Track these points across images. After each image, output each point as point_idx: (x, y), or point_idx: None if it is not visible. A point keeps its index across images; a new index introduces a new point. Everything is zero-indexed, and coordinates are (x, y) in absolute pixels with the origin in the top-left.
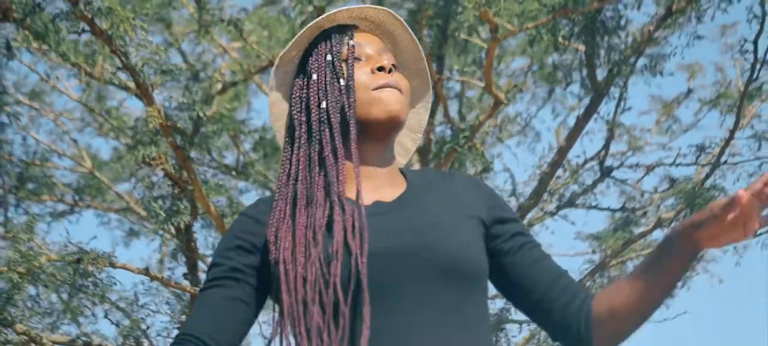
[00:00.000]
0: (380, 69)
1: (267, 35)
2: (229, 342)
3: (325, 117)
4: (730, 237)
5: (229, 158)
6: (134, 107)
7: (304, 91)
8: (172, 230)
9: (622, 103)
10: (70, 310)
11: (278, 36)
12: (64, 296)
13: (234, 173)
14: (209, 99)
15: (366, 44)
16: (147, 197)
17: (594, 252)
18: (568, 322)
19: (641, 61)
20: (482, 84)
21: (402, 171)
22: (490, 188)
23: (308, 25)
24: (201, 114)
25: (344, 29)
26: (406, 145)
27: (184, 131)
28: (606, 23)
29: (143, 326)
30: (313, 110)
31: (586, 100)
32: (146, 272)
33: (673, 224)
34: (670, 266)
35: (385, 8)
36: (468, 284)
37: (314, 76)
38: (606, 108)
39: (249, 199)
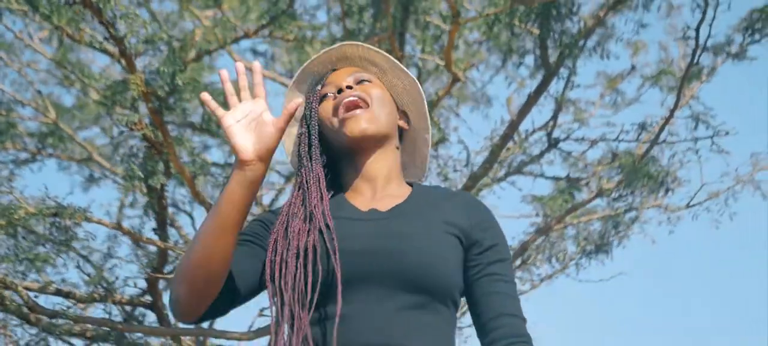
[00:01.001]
0: (339, 91)
1: (242, 6)
2: (244, 276)
3: (304, 161)
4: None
5: (195, 117)
6: (104, 63)
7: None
8: (145, 189)
9: (570, 82)
10: (44, 259)
11: (253, 7)
12: (40, 247)
13: (201, 131)
14: (185, 66)
15: (339, 75)
16: (127, 159)
17: (538, 215)
18: None
19: (591, 42)
20: (442, 63)
21: (413, 184)
22: (486, 214)
23: (291, 81)
24: (179, 82)
25: (324, 73)
26: (421, 150)
27: (161, 97)
28: (560, 9)
29: (111, 277)
30: (298, 156)
31: (538, 76)
32: (118, 226)
33: (613, 194)
34: None
35: (350, 43)
36: (430, 291)
37: (301, 130)
38: (556, 86)
39: (214, 155)
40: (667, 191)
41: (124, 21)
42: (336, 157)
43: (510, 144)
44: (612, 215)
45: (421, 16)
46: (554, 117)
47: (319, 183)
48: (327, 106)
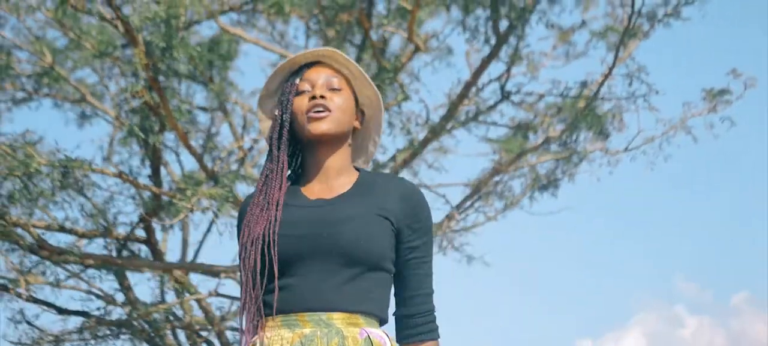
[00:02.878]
0: (313, 98)
1: None
2: None
3: (271, 143)
4: None
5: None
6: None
7: (273, 122)
8: (143, 141)
9: (518, 49)
10: (52, 201)
11: None
12: (49, 191)
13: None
14: (181, 38)
15: (315, 77)
16: (130, 121)
17: (494, 153)
18: (396, 324)
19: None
20: (405, 34)
21: (360, 171)
22: (417, 200)
23: (280, 65)
24: (176, 55)
25: (305, 67)
26: (369, 149)
27: (160, 67)
28: None
29: (110, 217)
30: (269, 139)
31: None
32: (120, 175)
33: (559, 140)
34: None
35: (331, 49)
36: (363, 263)
37: (276, 112)
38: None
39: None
40: (607, 136)
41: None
42: (301, 144)
43: (466, 99)
44: (560, 157)
45: None
46: (507, 71)
47: (282, 173)
48: (301, 103)
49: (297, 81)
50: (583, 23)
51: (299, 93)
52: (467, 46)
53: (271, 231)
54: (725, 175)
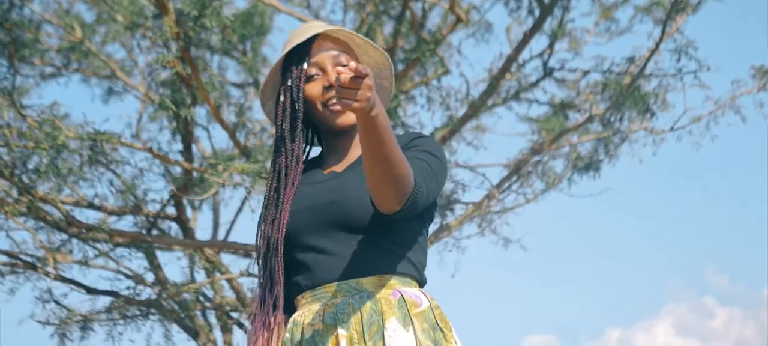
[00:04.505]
0: (328, 87)
1: None
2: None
3: (284, 133)
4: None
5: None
6: None
7: (276, 108)
8: (172, 116)
9: (563, 22)
10: (81, 177)
11: None
12: (77, 166)
13: (221, 52)
14: (213, 6)
15: (323, 58)
16: (159, 92)
17: (533, 133)
18: None
19: None
20: (446, 5)
21: None
22: (417, 136)
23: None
24: (208, 24)
25: (312, 42)
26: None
27: (191, 37)
28: None
29: (139, 193)
30: (278, 128)
31: (535, 15)
32: (150, 149)
33: (603, 118)
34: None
35: (339, 28)
36: (379, 227)
37: (281, 98)
38: (551, 21)
39: (232, 75)
40: (652, 114)
41: None
42: (316, 128)
43: (507, 74)
44: (602, 136)
45: None
46: (550, 47)
47: (297, 165)
48: (314, 90)
49: (304, 66)
50: None
51: (310, 78)
52: (509, 18)
53: (279, 236)
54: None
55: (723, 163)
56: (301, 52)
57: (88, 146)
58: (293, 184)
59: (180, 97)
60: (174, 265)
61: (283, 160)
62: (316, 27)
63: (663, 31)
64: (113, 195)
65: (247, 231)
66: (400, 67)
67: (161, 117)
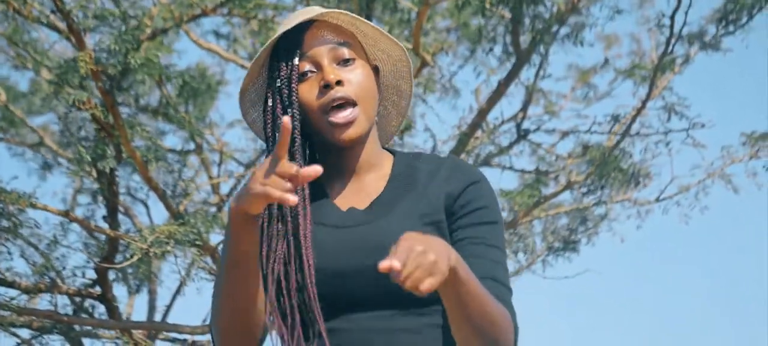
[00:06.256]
0: (326, 86)
1: None
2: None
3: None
4: None
5: (151, 100)
6: (58, 45)
7: (264, 115)
8: (94, 173)
9: (542, 70)
10: None
11: None
12: None
13: (157, 114)
14: (139, 44)
15: (319, 51)
16: (74, 140)
17: (503, 210)
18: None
19: (563, 31)
20: (410, 45)
21: (395, 156)
22: (472, 177)
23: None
24: (133, 62)
25: (302, 32)
26: (391, 120)
27: (112, 76)
28: None
29: (58, 266)
30: (268, 142)
31: (508, 65)
32: (66, 214)
33: (582, 188)
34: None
35: (340, 11)
36: (420, 300)
37: (269, 102)
38: (526, 73)
39: (170, 140)
40: (637, 183)
41: None
42: (315, 140)
43: (478, 133)
44: (580, 209)
45: None
46: (524, 107)
47: (305, 196)
48: (310, 93)
49: (296, 61)
50: (607, 62)
51: (303, 77)
52: (478, 79)
53: (308, 282)
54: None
55: (715, 237)
56: (291, 44)
57: None
58: (306, 214)
59: (101, 149)
60: None
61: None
62: (310, 11)
63: (650, 89)
64: (29, 267)
65: (186, 314)
66: None
67: (80, 175)
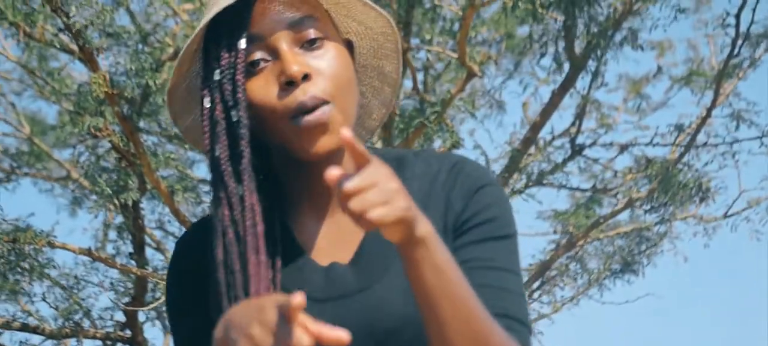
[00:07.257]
0: (289, 83)
1: None
2: None
3: (219, 165)
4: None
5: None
6: (78, 72)
7: (201, 119)
8: (118, 207)
9: (598, 78)
10: (6, 288)
11: None
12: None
13: (184, 142)
14: (159, 65)
15: (272, 29)
16: (92, 170)
17: (555, 232)
18: None
19: (618, 36)
20: (455, 55)
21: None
22: (473, 184)
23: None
24: (151, 83)
25: (249, 5)
26: (372, 111)
27: (132, 100)
28: None
29: (84, 307)
30: (210, 155)
31: (559, 75)
32: (89, 252)
33: (644, 205)
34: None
35: None
36: None
37: (206, 103)
38: (579, 83)
39: (199, 170)
40: (703, 199)
41: (79, 9)
42: (269, 150)
43: (531, 150)
44: (641, 228)
45: (430, 1)
46: (578, 120)
47: (256, 224)
48: (265, 92)
49: (241, 45)
50: (660, 70)
51: (253, 69)
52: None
53: None
54: None
55: None
56: (235, 22)
57: (7, 250)
58: (260, 263)
59: (123, 180)
60: None
61: (227, 214)
62: None
63: (715, 96)
64: (53, 310)
65: None
66: (397, 140)
67: (102, 209)
